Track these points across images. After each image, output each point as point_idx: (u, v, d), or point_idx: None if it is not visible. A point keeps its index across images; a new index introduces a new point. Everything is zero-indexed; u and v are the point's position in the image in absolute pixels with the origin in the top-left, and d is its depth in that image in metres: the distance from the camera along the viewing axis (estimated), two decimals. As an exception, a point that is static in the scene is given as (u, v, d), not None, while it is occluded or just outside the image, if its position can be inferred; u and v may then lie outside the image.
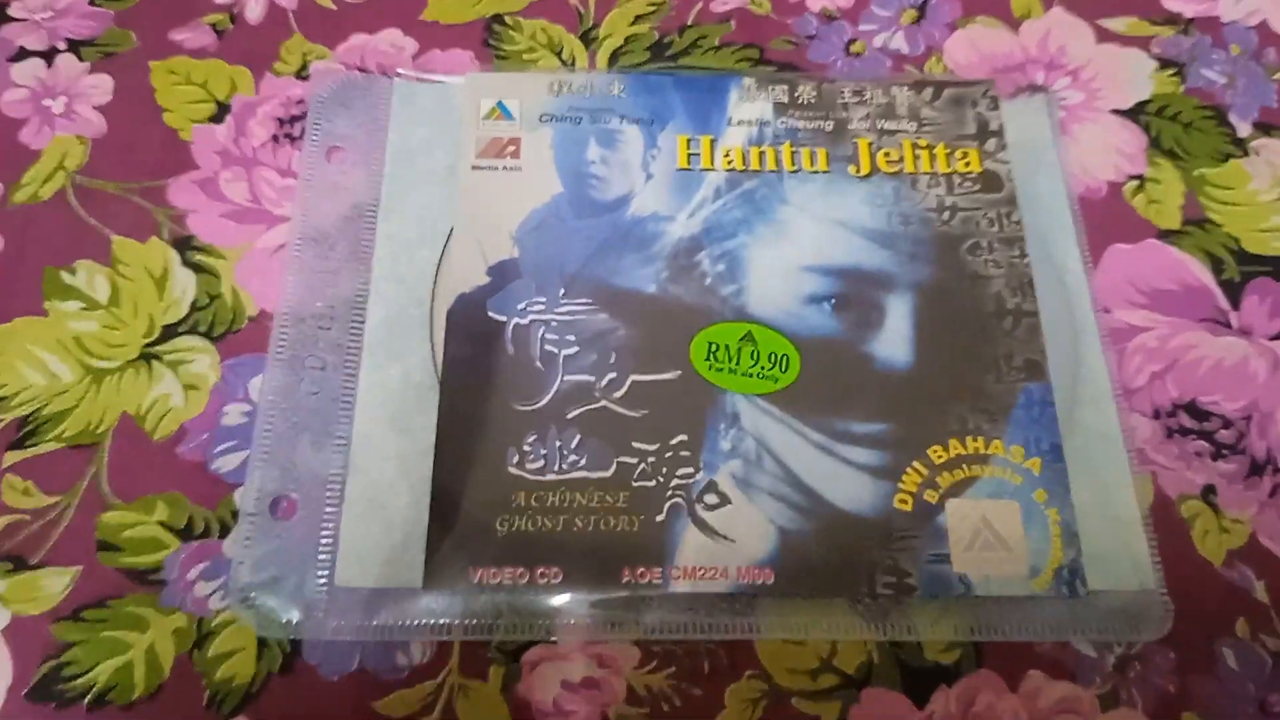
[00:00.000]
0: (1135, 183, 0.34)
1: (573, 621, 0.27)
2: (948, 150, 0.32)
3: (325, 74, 0.34)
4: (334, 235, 0.31)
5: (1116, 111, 0.35)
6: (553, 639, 0.27)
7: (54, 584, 0.28)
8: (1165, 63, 0.36)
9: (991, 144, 0.32)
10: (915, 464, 0.28)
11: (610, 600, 0.27)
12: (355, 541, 0.27)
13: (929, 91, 0.33)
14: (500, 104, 0.32)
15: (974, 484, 0.28)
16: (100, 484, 0.29)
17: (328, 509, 0.27)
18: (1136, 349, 0.31)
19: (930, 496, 0.27)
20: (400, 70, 0.34)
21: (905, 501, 0.27)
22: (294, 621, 0.26)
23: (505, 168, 0.31)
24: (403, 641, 0.27)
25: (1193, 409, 0.31)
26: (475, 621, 0.27)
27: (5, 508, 0.29)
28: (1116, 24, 0.37)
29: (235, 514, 0.29)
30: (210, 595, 0.28)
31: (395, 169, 0.32)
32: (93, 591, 0.28)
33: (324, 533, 0.27)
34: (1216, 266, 0.32)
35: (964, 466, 0.28)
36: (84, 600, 0.28)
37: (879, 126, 0.32)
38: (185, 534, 0.29)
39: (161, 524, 0.29)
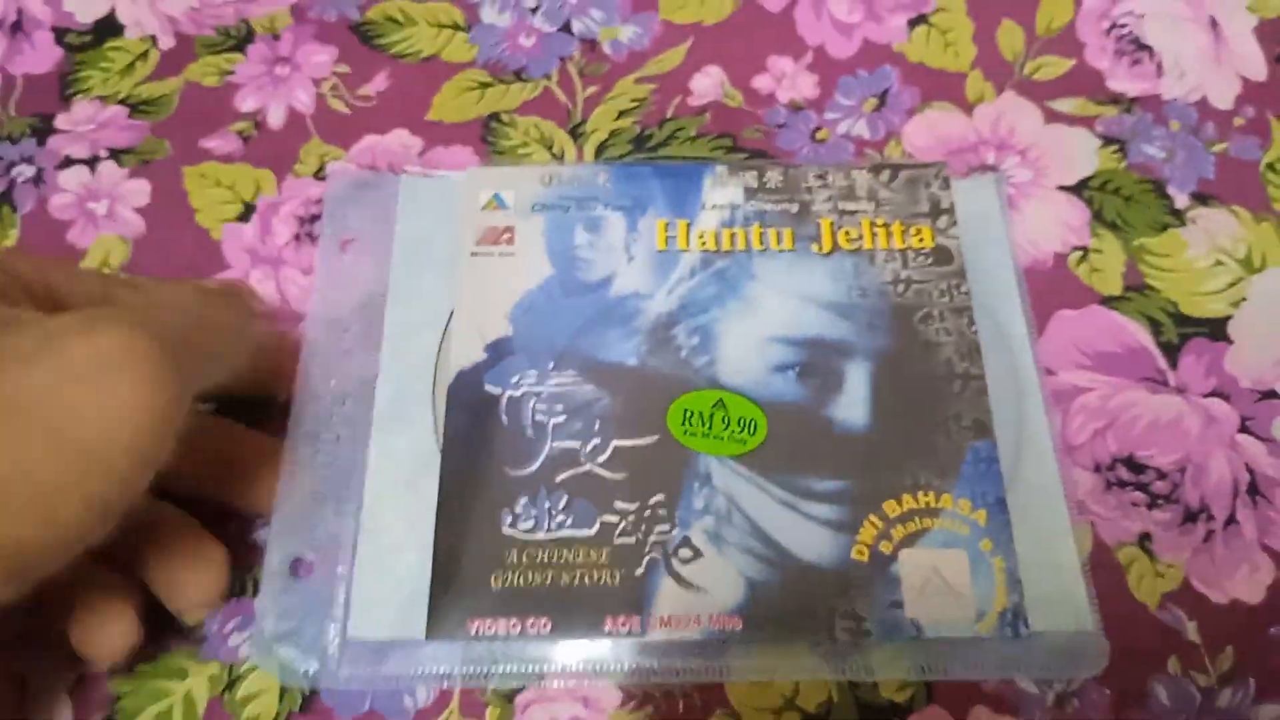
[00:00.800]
0: (1079, 253, 0.36)
1: (560, 667, 0.30)
2: (903, 227, 0.35)
3: (339, 173, 0.37)
4: (347, 320, 0.34)
5: (1062, 187, 0.38)
6: (542, 683, 0.30)
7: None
8: (1109, 140, 0.39)
9: (943, 221, 0.35)
10: (871, 517, 0.30)
11: (594, 647, 0.30)
12: (366, 597, 0.30)
13: (886, 174, 0.36)
14: (497, 195, 0.35)
15: (925, 535, 0.30)
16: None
17: (340, 568, 0.31)
18: (1080, 408, 0.34)
19: (885, 547, 0.30)
20: (407, 168, 0.37)
21: (862, 553, 0.30)
22: (311, 672, 0.30)
23: (501, 253, 0.34)
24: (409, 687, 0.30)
25: (1131, 462, 0.33)
26: (473, 669, 0.30)
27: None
28: (1064, 105, 0.40)
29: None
30: (240, 645, 0.31)
31: (402, 258, 0.35)
32: (146, 648, 0.31)
33: (338, 590, 0.30)
34: (1155, 329, 0.35)
35: (916, 519, 0.30)
36: (139, 656, 0.31)
37: (840, 207, 0.35)
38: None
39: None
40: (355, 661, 0.30)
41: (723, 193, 0.35)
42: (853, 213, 0.35)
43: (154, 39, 0.39)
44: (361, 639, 0.30)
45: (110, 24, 0.39)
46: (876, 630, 0.29)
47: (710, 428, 0.32)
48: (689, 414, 0.32)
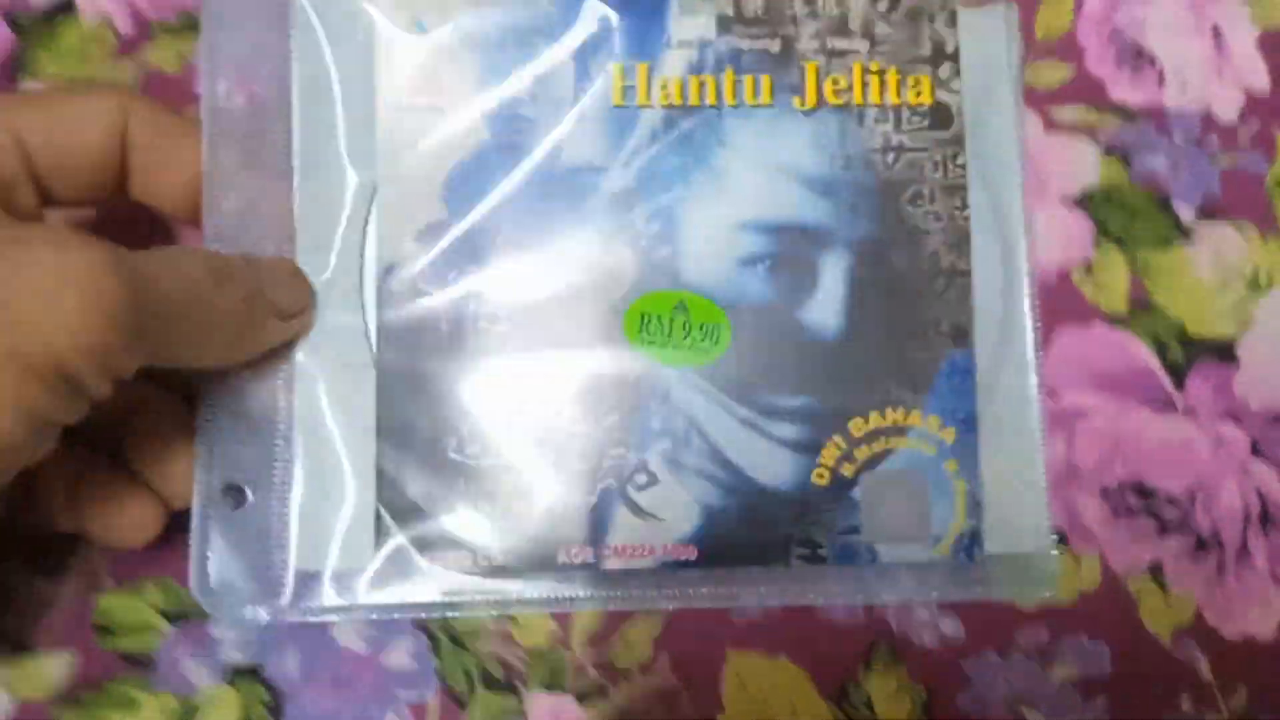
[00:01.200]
0: (1083, 268, 0.35)
1: (515, 598, 0.28)
2: (899, 76, 0.31)
3: None
4: (248, 190, 0.29)
5: (1065, 199, 0.36)
6: (495, 614, 0.29)
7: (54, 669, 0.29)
8: (1112, 150, 0.37)
9: (945, 69, 0.31)
10: (835, 437, 0.29)
11: (547, 579, 0.28)
12: (308, 528, 0.28)
13: (885, 1, 0.31)
14: (418, 22, 0.29)
15: (889, 456, 0.29)
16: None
17: (277, 496, 0.29)
18: (1085, 430, 0.33)
19: (847, 470, 0.29)
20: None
21: (822, 476, 0.29)
22: (261, 615, 0.28)
23: (428, 107, 0.29)
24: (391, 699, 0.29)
25: (1139, 488, 0.32)
26: (425, 601, 0.28)
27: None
28: (1065, 113, 0.38)
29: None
30: (194, 673, 0.29)
31: (306, 110, 0.30)
32: (91, 674, 0.29)
33: (281, 519, 0.28)
34: (1161, 350, 0.34)
35: (881, 438, 0.29)
36: (82, 685, 0.29)
37: (829, 45, 0.31)
38: (175, 618, 0.30)
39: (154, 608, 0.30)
40: (304, 595, 0.28)
41: (692, 24, 0.30)
42: (843, 54, 0.31)
43: (110, 22, 0.37)
44: (308, 570, 0.28)
45: (65, 4, 0.37)
46: (831, 556, 0.28)
47: (670, 334, 0.29)
48: (646, 319, 0.29)
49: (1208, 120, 0.39)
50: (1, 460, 0.21)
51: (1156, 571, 0.31)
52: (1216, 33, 0.41)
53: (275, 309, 0.27)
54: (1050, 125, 0.38)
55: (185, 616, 0.30)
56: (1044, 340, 0.34)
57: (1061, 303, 0.35)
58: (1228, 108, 0.39)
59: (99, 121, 0.26)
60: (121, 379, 0.22)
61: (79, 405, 0.21)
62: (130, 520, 0.27)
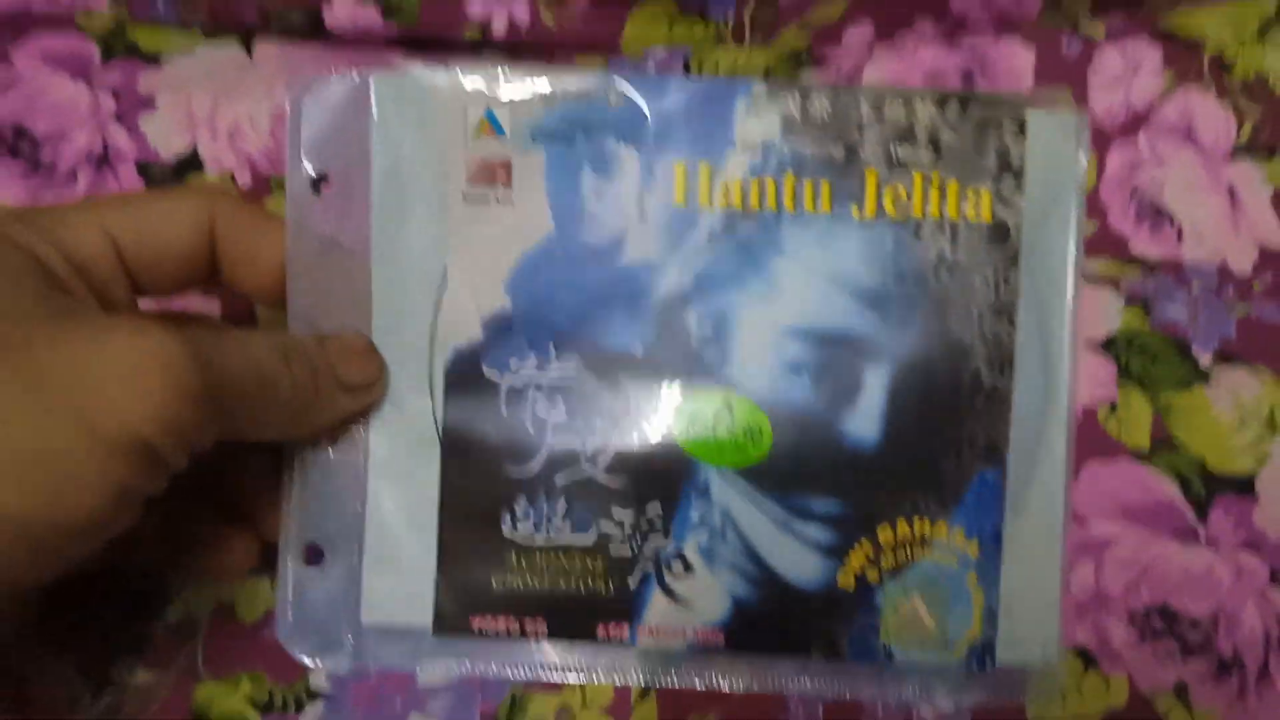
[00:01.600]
0: (1107, 407, 0.38)
1: (555, 666, 0.31)
2: (959, 188, 0.31)
3: (301, 83, 0.33)
4: (329, 282, 0.32)
5: (1090, 343, 0.39)
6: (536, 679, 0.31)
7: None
8: (1133, 299, 0.41)
9: (1007, 184, 0.31)
10: (863, 542, 0.31)
11: (586, 651, 0.31)
12: (374, 586, 0.31)
13: (954, 107, 0.31)
14: (490, 114, 0.31)
15: (913, 565, 0.31)
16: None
17: (353, 557, 0.32)
18: (1112, 559, 0.35)
19: (871, 576, 0.31)
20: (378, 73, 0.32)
21: (848, 580, 0.31)
22: (331, 665, 0.31)
23: (498, 199, 0.30)
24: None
25: (1165, 611, 0.34)
26: (475, 664, 0.31)
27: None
28: (1090, 265, 0.42)
29: (309, 691, 0.32)
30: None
31: (383, 198, 0.31)
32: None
33: (352, 577, 0.31)
34: (1184, 485, 0.36)
35: (906, 548, 0.31)
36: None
37: (892, 152, 0.31)
38: (266, 709, 0.32)
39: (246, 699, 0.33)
40: (367, 649, 0.31)
41: (757, 125, 0.30)
42: (905, 166, 0.31)
43: (232, 176, 0.41)
44: (376, 625, 0.30)
45: (192, 160, 0.42)
46: (850, 653, 0.30)
47: (714, 433, 0.31)
48: (693, 417, 0.31)
49: (1224, 272, 0.42)
50: (93, 531, 0.22)
51: (1181, 692, 0.33)
52: (1232, 192, 0.44)
53: (342, 384, 0.29)
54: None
55: (275, 708, 0.33)
56: (1074, 475, 0.36)
57: (1088, 439, 0.37)
58: (1243, 260, 0.42)
59: (187, 220, 0.28)
60: (199, 449, 0.24)
61: (159, 478, 0.23)
62: (230, 557, 0.30)
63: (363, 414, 0.30)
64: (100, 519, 0.22)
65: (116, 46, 0.44)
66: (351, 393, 0.29)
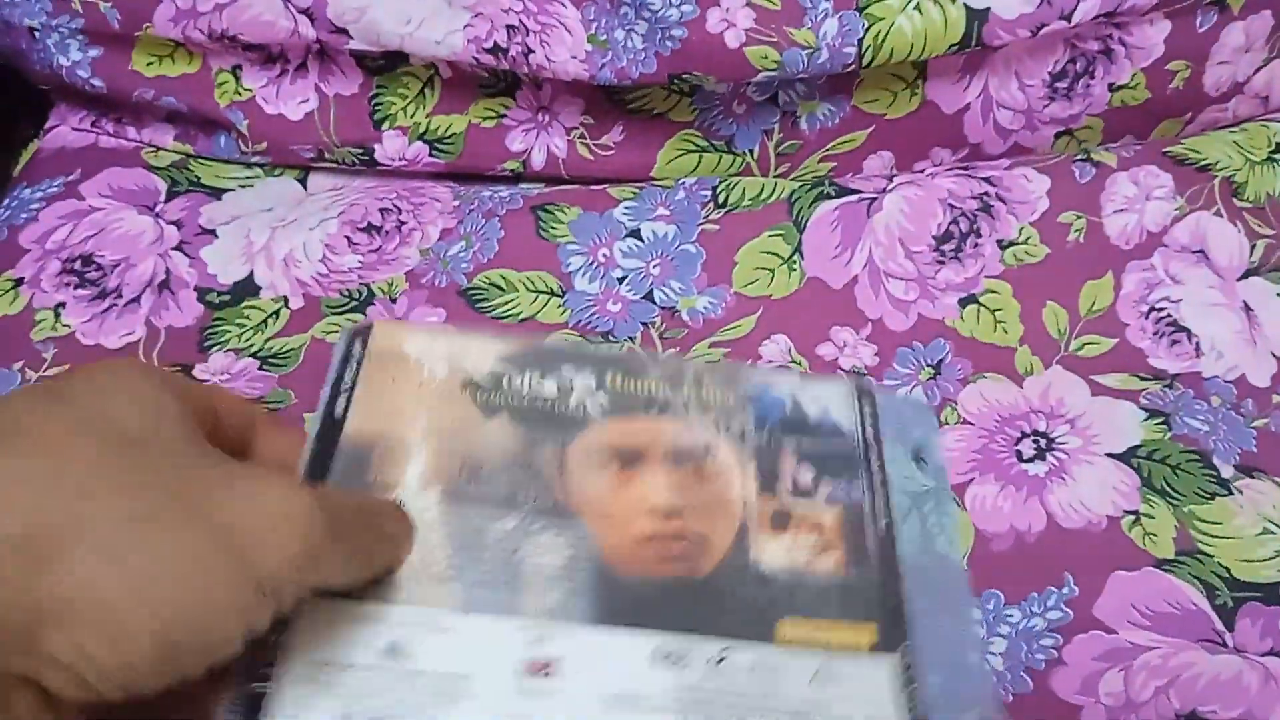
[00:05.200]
0: (1131, 517, 0.39)
1: None
2: None
3: None
4: None
5: (1111, 455, 0.40)
6: None
7: None
8: (1153, 413, 0.42)
9: None
10: None
11: None
12: None
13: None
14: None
15: None
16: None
17: None
18: (1141, 666, 0.35)
19: None
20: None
21: None
22: None
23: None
24: None
25: (1193, 718, 0.34)
26: None
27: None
28: (1109, 380, 0.43)
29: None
30: None
31: None
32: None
33: None
34: (1210, 593, 0.37)
35: None
36: None
37: None
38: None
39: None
40: None
41: None
42: None
43: (285, 299, 0.44)
44: None
45: (248, 285, 0.44)
46: None
47: None
48: None
49: (1243, 385, 0.43)
50: (208, 659, 0.23)
51: (1215, 802, 0.33)
52: (1247, 308, 0.45)
53: (388, 535, 0.30)
54: (1097, 390, 0.43)
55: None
56: (1099, 583, 0.37)
57: (1113, 548, 0.38)
58: (1261, 374, 0.43)
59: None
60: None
61: (272, 617, 0.24)
62: None
63: (396, 567, 0.31)
64: (226, 643, 0.23)
65: (181, 181, 0.47)
66: (393, 542, 0.30)
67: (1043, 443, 0.41)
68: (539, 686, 0.29)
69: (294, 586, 0.24)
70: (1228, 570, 0.37)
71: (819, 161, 0.49)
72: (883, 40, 0.43)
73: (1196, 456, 0.40)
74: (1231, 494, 0.39)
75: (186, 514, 0.23)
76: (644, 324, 0.45)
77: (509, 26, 0.44)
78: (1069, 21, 0.43)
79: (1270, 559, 0.38)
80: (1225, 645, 0.36)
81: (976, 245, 0.46)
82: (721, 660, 0.30)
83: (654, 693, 0.29)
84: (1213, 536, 0.38)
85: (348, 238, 0.46)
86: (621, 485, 0.33)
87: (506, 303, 0.45)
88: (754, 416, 0.34)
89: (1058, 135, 0.49)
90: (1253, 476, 0.40)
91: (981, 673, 0.32)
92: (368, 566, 0.29)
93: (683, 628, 0.30)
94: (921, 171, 0.48)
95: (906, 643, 0.31)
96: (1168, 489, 0.39)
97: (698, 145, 0.48)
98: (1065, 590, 0.37)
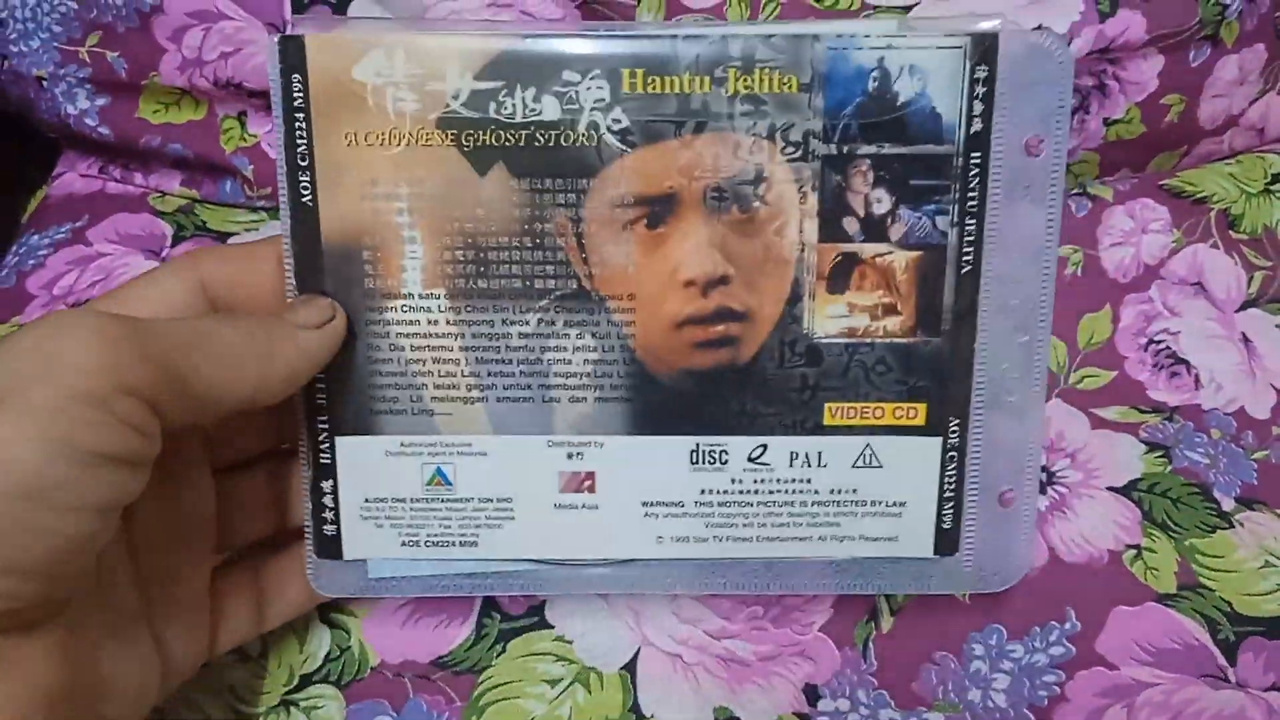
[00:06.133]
0: (1133, 551, 0.39)
1: None
2: None
3: None
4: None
5: (1111, 488, 0.40)
6: None
7: None
8: (1152, 446, 0.42)
9: None
10: None
11: None
12: None
13: None
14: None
15: None
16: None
17: None
18: (1144, 703, 0.35)
19: None
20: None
21: None
22: None
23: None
24: None
25: (1198, 758, 0.34)
26: None
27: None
28: (1109, 412, 0.43)
29: None
30: None
31: None
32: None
33: None
34: (1212, 627, 0.37)
35: None
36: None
37: None
38: None
39: None
40: None
41: None
42: None
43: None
44: None
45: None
46: None
47: None
48: None
49: (1242, 417, 0.43)
50: (67, 497, 0.22)
51: (1221, 840, 0.33)
52: (1246, 339, 0.46)
53: (294, 325, 0.28)
54: (1097, 423, 0.43)
55: None
56: (1101, 619, 0.37)
57: (1114, 583, 0.38)
58: (1261, 406, 0.44)
59: (178, 285, 0.28)
60: (167, 413, 0.24)
61: (129, 434, 0.23)
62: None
63: (330, 351, 0.28)
64: (53, 476, 0.22)
65: (187, 226, 0.48)
66: (310, 330, 0.28)
67: (1044, 477, 0.41)
68: (578, 501, 0.30)
69: (122, 397, 0.22)
70: (1229, 604, 0.37)
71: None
72: (877, 80, 0.43)
73: (1197, 489, 0.40)
74: (1233, 527, 0.39)
75: None
76: None
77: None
78: (1062, 59, 0.44)
79: (1272, 592, 0.38)
80: (1228, 681, 0.36)
81: (976, 280, 0.46)
82: (761, 454, 0.30)
83: (691, 495, 0.30)
84: (1214, 570, 0.38)
85: (351, 279, 0.46)
86: (651, 252, 0.28)
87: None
88: (825, 107, 0.27)
89: (1054, 169, 0.49)
90: (1253, 509, 0.40)
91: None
92: (271, 363, 0.26)
93: (723, 426, 0.29)
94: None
95: (955, 421, 0.30)
96: (1169, 522, 0.39)
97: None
98: (1068, 625, 0.37)
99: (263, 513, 0.33)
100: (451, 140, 0.27)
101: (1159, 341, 0.45)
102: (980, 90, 0.27)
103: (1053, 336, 0.45)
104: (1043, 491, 0.40)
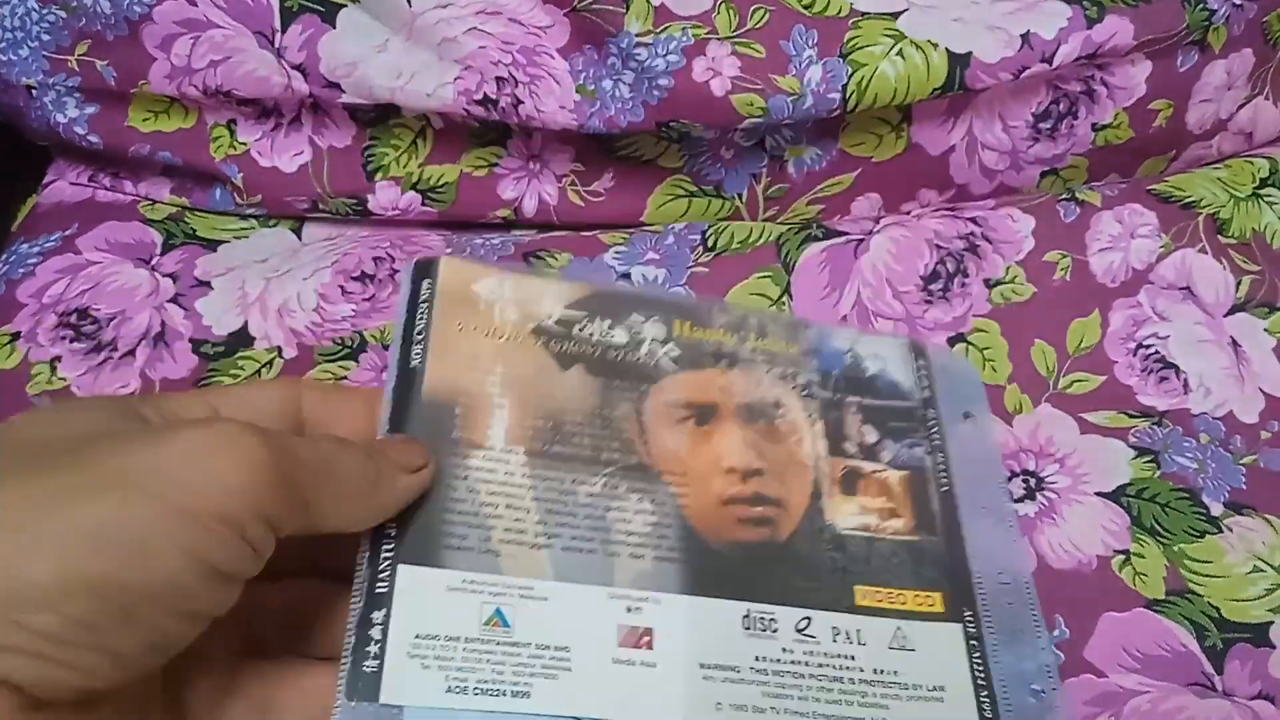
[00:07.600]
0: (1121, 557, 0.39)
1: None
2: None
3: None
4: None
5: (1100, 493, 0.41)
6: None
7: None
8: (1141, 451, 0.42)
9: None
10: None
11: None
12: None
13: None
14: None
15: None
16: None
17: None
18: (1131, 712, 0.35)
19: None
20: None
21: None
22: None
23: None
24: None
25: (1185, 765, 0.34)
26: None
27: None
28: (1098, 417, 0.43)
29: None
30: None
31: None
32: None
33: None
34: (1200, 634, 0.37)
35: None
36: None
37: None
38: None
39: None
40: None
41: None
42: None
43: (279, 349, 0.44)
44: None
45: (243, 336, 0.45)
46: None
47: None
48: None
49: (1231, 422, 0.43)
50: (180, 598, 0.23)
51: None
52: (1235, 344, 0.46)
53: (400, 466, 0.29)
54: (1086, 428, 0.43)
55: None
56: (1089, 625, 0.37)
57: (1103, 590, 0.38)
58: (1249, 411, 0.44)
59: (276, 396, 0.30)
60: (281, 533, 0.25)
61: (247, 555, 0.24)
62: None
63: (420, 493, 0.30)
64: (182, 585, 0.23)
65: (177, 234, 0.48)
66: (411, 474, 0.30)
67: (1032, 482, 0.41)
68: (636, 657, 0.30)
69: (255, 518, 0.24)
70: (1218, 610, 0.37)
71: (807, 204, 0.49)
72: (866, 85, 0.44)
73: (1186, 494, 0.41)
74: (1221, 532, 0.40)
75: (97, 473, 0.23)
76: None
77: (499, 78, 0.44)
78: (1050, 64, 0.44)
79: (1260, 598, 0.38)
80: (1215, 689, 0.36)
81: (964, 285, 0.46)
82: (806, 626, 0.31)
83: (746, 661, 0.30)
84: (1203, 575, 0.38)
85: (341, 286, 0.46)
86: (699, 443, 0.33)
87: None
88: (818, 370, 0.36)
89: (1043, 175, 0.49)
90: (1242, 514, 0.40)
91: (1043, 650, 0.33)
92: (375, 496, 0.28)
93: (770, 595, 0.31)
94: (908, 213, 0.49)
95: (968, 612, 0.33)
96: (1157, 527, 0.40)
97: (687, 190, 0.49)
98: (1056, 632, 0.37)
99: (274, 634, 0.31)
100: (542, 343, 0.34)
101: (1148, 346, 0.46)
102: (923, 371, 0.37)
103: (1042, 341, 0.45)
104: (1031, 497, 0.41)
